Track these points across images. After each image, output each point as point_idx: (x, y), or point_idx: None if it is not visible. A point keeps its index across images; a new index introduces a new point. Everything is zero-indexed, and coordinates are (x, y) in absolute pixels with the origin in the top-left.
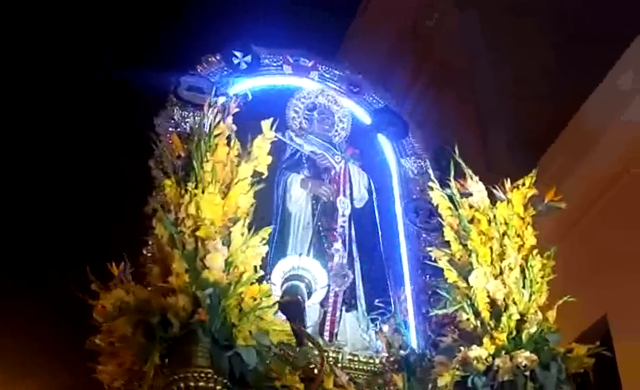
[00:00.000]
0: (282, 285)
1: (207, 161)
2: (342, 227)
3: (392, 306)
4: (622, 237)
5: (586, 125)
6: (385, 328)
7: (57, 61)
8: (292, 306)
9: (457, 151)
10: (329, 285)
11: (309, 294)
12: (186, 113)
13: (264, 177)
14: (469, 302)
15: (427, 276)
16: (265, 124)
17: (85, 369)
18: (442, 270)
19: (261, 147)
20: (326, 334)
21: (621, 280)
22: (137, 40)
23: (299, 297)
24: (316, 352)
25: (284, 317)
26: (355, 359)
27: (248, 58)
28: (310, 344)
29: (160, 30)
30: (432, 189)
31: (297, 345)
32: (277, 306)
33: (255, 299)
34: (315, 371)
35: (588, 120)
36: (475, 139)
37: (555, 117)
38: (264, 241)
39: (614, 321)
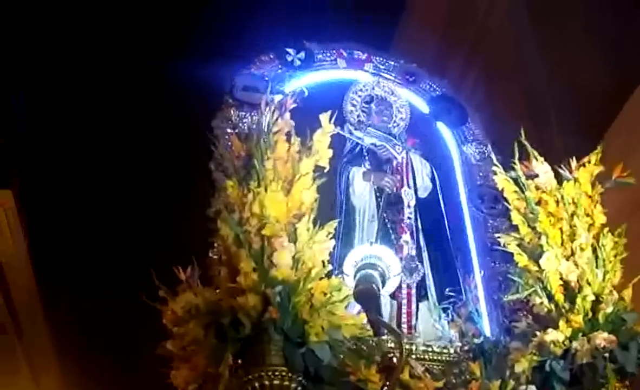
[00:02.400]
0: (355, 274)
1: (268, 159)
2: (409, 218)
3: (463, 295)
4: None
5: None
6: (458, 317)
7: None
8: (367, 295)
9: (522, 134)
10: (402, 273)
11: (383, 283)
12: (243, 113)
13: (326, 170)
14: (541, 286)
15: (496, 262)
16: (324, 117)
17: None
18: (511, 255)
19: (321, 141)
20: (404, 326)
21: None
22: (191, 39)
23: (374, 285)
24: (393, 342)
25: (357, 309)
26: (429, 349)
27: (301, 54)
28: (387, 333)
29: (212, 28)
30: (495, 173)
31: (374, 334)
32: (347, 299)
33: (325, 294)
34: (394, 360)
35: None
36: (528, 128)
37: (608, 105)
38: (330, 235)
39: None
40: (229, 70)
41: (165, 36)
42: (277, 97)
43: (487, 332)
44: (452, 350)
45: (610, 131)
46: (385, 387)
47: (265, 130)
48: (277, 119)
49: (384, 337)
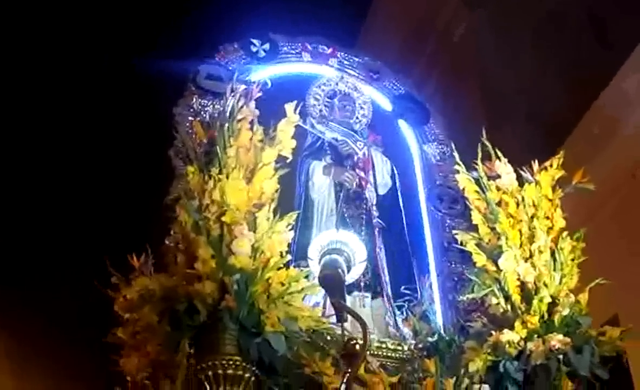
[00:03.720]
0: (320, 259)
1: (231, 146)
2: (372, 214)
3: (419, 293)
4: (635, 235)
5: (601, 120)
6: (413, 315)
7: (74, 51)
8: (332, 280)
9: (484, 134)
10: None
11: (348, 268)
12: (205, 101)
13: (288, 161)
14: (498, 286)
15: (452, 263)
16: (289, 107)
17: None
18: (467, 256)
19: (285, 131)
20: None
21: (632, 281)
22: (155, 29)
23: (340, 270)
24: (358, 328)
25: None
26: (384, 346)
27: (266, 46)
28: (352, 318)
29: (177, 18)
30: (458, 172)
31: (337, 320)
32: (305, 291)
33: (283, 285)
34: (357, 347)
35: (602, 115)
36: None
37: (565, 115)
38: (290, 227)
39: (624, 322)
40: (193, 59)
41: (130, 26)
42: (240, 87)
43: (441, 330)
44: (406, 348)
45: (568, 141)
46: (347, 374)
47: (229, 117)
48: (241, 107)
49: (340, 331)
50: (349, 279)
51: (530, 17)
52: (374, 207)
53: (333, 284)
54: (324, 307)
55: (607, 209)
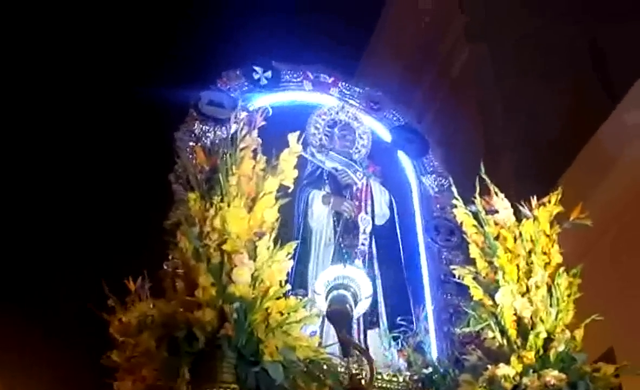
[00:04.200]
0: (327, 294)
1: (233, 174)
2: (364, 244)
3: (414, 324)
4: (630, 268)
5: (600, 153)
6: (408, 346)
7: (78, 76)
8: (340, 315)
9: (482, 168)
10: (373, 295)
11: (355, 304)
12: (207, 127)
13: (290, 191)
14: (495, 320)
15: (448, 295)
16: (292, 137)
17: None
18: (462, 288)
19: (287, 160)
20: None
21: (627, 315)
22: (157, 56)
23: (348, 306)
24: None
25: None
26: (379, 376)
27: (268, 73)
28: (358, 353)
29: (179, 45)
30: (456, 206)
31: (343, 355)
32: (304, 321)
33: (282, 314)
34: (363, 382)
35: (601, 148)
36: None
37: (565, 150)
38: (289, 256)
39: (620, 356)
40: (195, 85)
41: (133, 53)
42: (243, 114)
43: (436, 363)
44: (401, 379)
45: (565, 176)
46: None
47: (232, 145)
48: (245, 135)
49: (337, 361)
50: (356, 314)
51: (531, 50)
52: (365, 236)
53: (341, 319)
54: (321, 337)
55: (604, 241)
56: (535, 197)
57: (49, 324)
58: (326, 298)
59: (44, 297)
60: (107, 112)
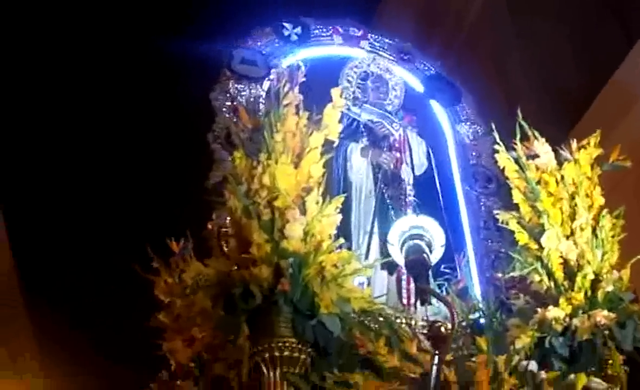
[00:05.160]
0: (402, 244)
1: (278, 131)
2: (411, 195)
3: (458, 272)
4: None
5: (617, 95)
6: (453, 293)
7: (108, 38)
8: (418, 265)
9: (519, 114)
10: (447, 245)
11: (430, 252)
12: (241, 86)
13: (334, 145)
14: (541, 264)
15: (489, 241)
16: (335, 91)
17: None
18: (503, 234)
19: (331, 115)
20: (404, 301)
21: None
22: (185, 14)
23: (425, 255)
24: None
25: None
26: (428, 322)
27: (298, 29)
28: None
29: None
30: (496, 152)
31: (421, 303)
32: (357, 272)
33: (336, 267)
34: (443, 330)
35: (618, 90)
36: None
37: (583, 93)
38: (338, 209)
39: None
40: (226, 44)
41: (161, 11)
42: (278, 71)
43: (482, 307)
44: (449, 326)
45: (584, 119)
46: (436, 355)
47: (275, 102)
48: (287, 92)
49: (390, 311)
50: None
51: None
52: (410, 187)
53: (419, 268)
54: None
55: (627, 182)
56: (573, 140)
57: (89, 290)
58: (401, 248)
59: (85, 263)
60: (139, 74)
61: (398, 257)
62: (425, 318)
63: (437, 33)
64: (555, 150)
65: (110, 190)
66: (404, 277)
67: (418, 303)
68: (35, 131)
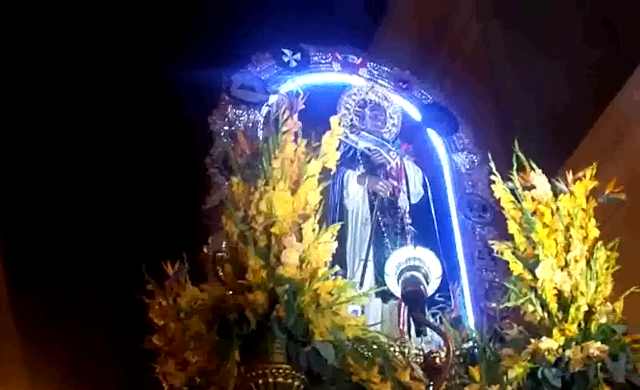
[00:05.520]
0: (399, 276)
1: (276, 158)
2: (409, 225)
3: (452, 301)
4: None
5: (613, 125)
6: (447, 322)
7: (110, 65)
8: (414, 296)
9: (516, 145)
10: (442, 275)
11: (427, 284)
12: (239, 111)
13: (332, 173)
14: (535, 294)
15: (484, 270)
16: (334, 119)
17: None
18: (497, 263)
19: (329, 143)
20: (401, 328)
21: None
22: (186, 40)
23: (421, 286)
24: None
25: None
26: (421, 353)
27: (297, 56)
28: (434, 333)
29: (207, 29)
30: (493, 182)
31: (417, 334)
32: (352, 300)
33: (331, 294)
34: (437, 361)
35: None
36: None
37: (578, 122)
38: (334, 237)
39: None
40: (225, 69)
41: (163, 35)
42: (274, 97)
43: (475, 337)
44: (442, 355)
45: (580, 146)
46: (431, 387)
47: (274, 129)
48: (286, 119)
49: (384, 340)
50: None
51: (543, 25)
52: (407, 216)
53: (415, 299)
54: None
55: (619, 215)
56: (568, 171)
57: (84, 309)
58: (398, 280)
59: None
60: (139, 98)
61: (395, 288)
62: (419, 347)
63: (434, 60)
64: (551, 181)
65: (108, 211)
66: (402, 305)
67: (413, 333)
68: (33, 152)
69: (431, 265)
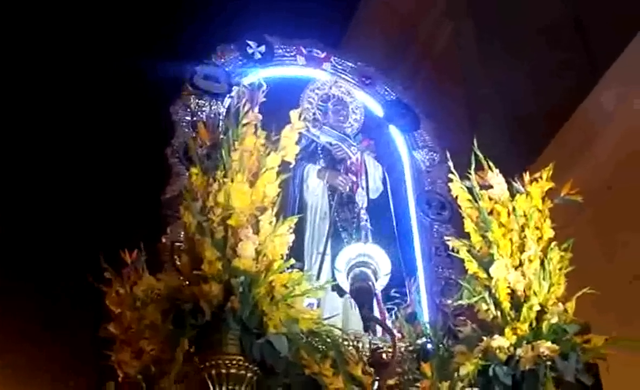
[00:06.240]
0: (348, 271)
1: (235, 150)
2: (361, 218)
3: (408, 297)
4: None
5: (579, 130)
6: (402, 318)
7: (72, 53)
8: (363, 292)
9: (475, 144)
10: (397, 268)
11: (375, 280)
12: (202, 102)
13: (291, 166)
14: (489, 293)
15: (439, 267)
16: (294, 113)
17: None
18: (453, 261)
19: (289, 137)
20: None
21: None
22: (151, 31)
23: (370, 283)
24: (387, 337)
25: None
26: (375, 347)
27: (262, 48)
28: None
29: (172, 20)
30: (450, 180)
31: (364, 330)
32: (306, 293)
33: (286, 287)
34: (384, 356)
35: (580, 126)
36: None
37: (550, 124)
38: (291, 230)
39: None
40: (189, 60)
41: (127, 28)
42: (237, 89)
43: (429, 333)
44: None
45: (546, 152)
46: (376, 382)
47: (234, 121)
48: (247, 111)
49: (337, 333)
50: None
51: (513, 27)
52: (364, 211)
53: (364, 295)
54: (318, 307)
55: (583, 219)
56: (527, 173)
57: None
58: (347, 275)
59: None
60: (101, 86)
61: (344, 283)
62: (374, 342)
63: (404, 59)
64: (508, 182)
65: (66, 198)
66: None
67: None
68: None
69: (381, 261)
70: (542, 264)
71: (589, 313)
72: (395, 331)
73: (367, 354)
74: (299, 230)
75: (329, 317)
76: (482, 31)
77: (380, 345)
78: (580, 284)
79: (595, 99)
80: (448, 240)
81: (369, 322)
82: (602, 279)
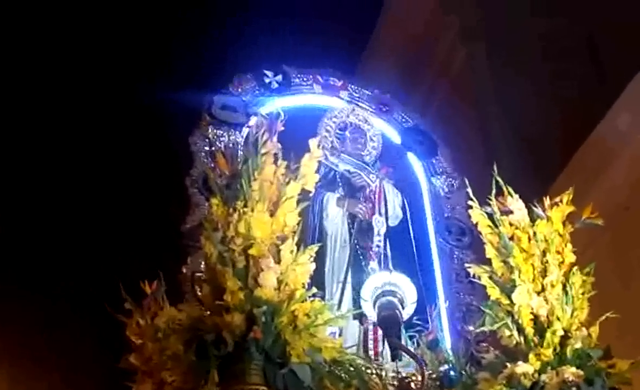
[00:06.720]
0: (375, 300)
1: (255, 179)
2: (378, 246)
3: (429, 324)
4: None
5: (595, 153)
6: (424, 345)
7: (91, 86)
8: (390, 321)
9: (495, 169)
10: (419, 299)
11: (402, 309)
12: (220, 132)
13: (310, 195)
14: (511, 319)
15: (460, 294)
16: (313, 142)
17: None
18: (475, 287)
19: (308, 165)
20: (371, 352)
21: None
22: (168, 62)
23: (397, 311)
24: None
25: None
26: (398, 376)
27: (279, 77)
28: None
29: (190, 51)
30: (470, 207)
31: (392, 358)
32: (329, 322)
33: (309, 316)
34: (412, 385)
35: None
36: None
37: (563, 146)
38: (312, 259)
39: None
40: (208, 90)
41: (145, 57)
42: (254, 119)
43: (452, 360)
44: (419, 377)
45: (562, 175)
46: None
47: (254, 151)
48: (266, 141)
49: (361, 362)
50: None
51: (527, 51)
52: (382, 239)
53: (391, 324)
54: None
55: (601, 241)
56: (547, 198)
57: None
58: (374, 304)
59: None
60: (121, 117)
61: (371, 312)
62: (395, 370)
63: (419, 85)
64: (529, 207)
65: (87, 228)
66: (371, 328)
67: (388, 356)
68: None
69: (407, 290)
70: (564, 288)
71: (608, 336)
72: None
73: (391, 382)
74: (320, 258)
75: (352, 346)
76: (496, 55)
77: (409, 373)
78: (599, 307)
79: (610, 122)
80: (469, 266)
81: (396, 351)
82: (620, 302)
